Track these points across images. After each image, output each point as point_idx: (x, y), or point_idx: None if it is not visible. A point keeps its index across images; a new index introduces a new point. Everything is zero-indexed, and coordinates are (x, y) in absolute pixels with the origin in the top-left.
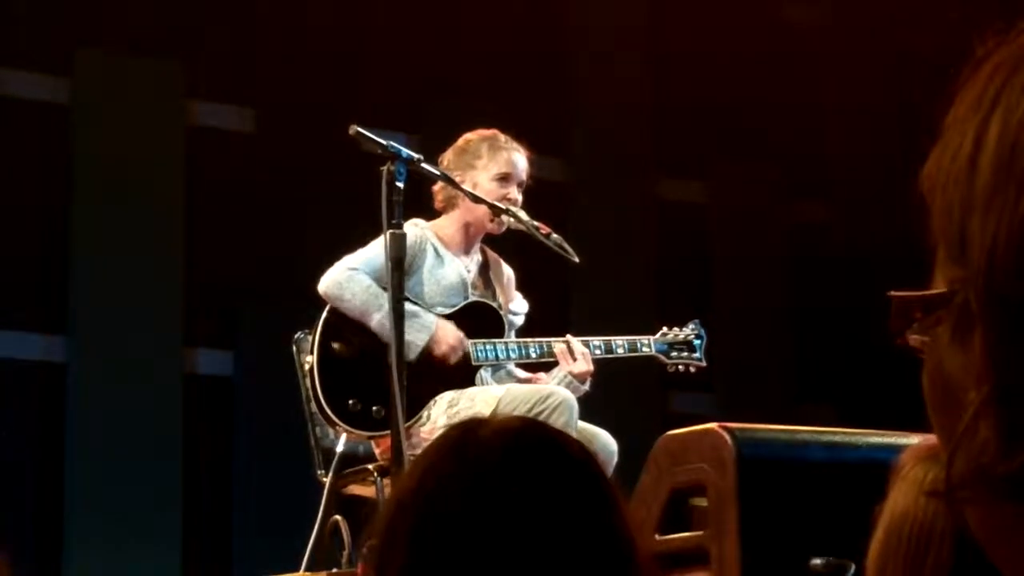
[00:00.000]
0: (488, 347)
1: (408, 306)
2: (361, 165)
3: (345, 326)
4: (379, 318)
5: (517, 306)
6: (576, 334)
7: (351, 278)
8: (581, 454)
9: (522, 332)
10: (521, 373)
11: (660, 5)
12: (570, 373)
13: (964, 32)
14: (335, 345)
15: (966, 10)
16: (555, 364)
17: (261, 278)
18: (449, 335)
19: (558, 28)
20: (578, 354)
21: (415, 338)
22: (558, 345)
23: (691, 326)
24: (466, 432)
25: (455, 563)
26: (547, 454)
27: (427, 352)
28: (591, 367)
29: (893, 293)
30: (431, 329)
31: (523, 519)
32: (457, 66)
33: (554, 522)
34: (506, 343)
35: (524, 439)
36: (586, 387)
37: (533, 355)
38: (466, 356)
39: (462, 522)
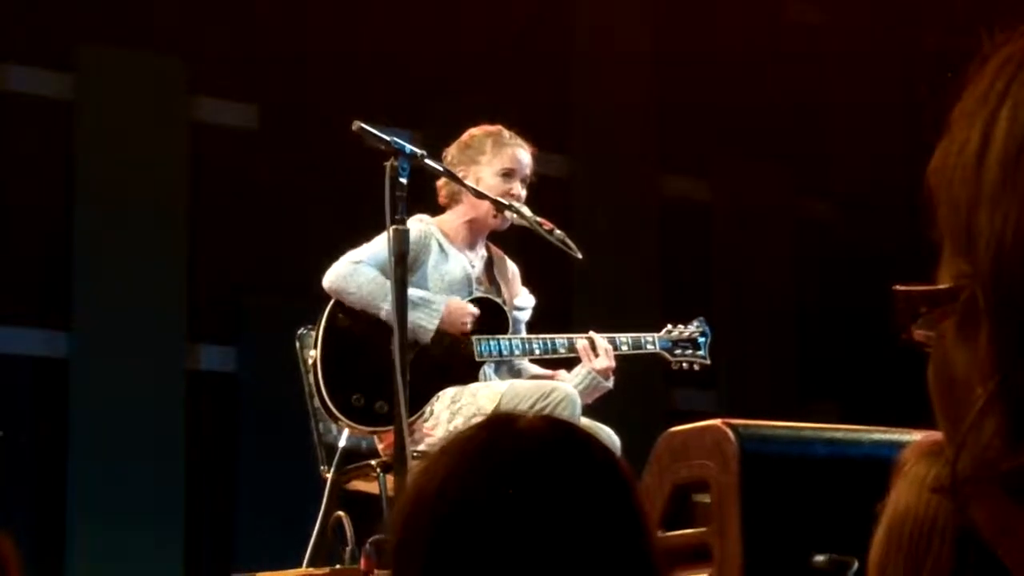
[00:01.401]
0: (492, 343)
1: (417, 292)
2: (364, 161)
3: (348, 321)
4: (388, 308)
5: (523, 301)
6: (579, 331)
7: (356, 270)
8: (606, 456)
9: (528, 327)
10: (538, 370)
11: (663, 2)
12: (593, 369)
13: (969, 30)
14: (338, 340)
15: (969, 8)
16: (567, 360)
17: (264, 274)
18: (458, 313)
19: (561, 24)
20: (600, 350)
21: (427, 323)
22: (580, 341)
23: (695, 323)
24: (492, 433)
25: (477, 562)
26: (573, 456)
27: (434, 342)
28: (613, 363)
29: (898, 287)
30: (441, 312)
31: (547, 520)
32: (460, 62)
33: (578, 523)
34: (510, 339)
35: (551, 442)
36: (609, 384)
37: (537, 351)
38: (470, 353)
39: (485, 522)
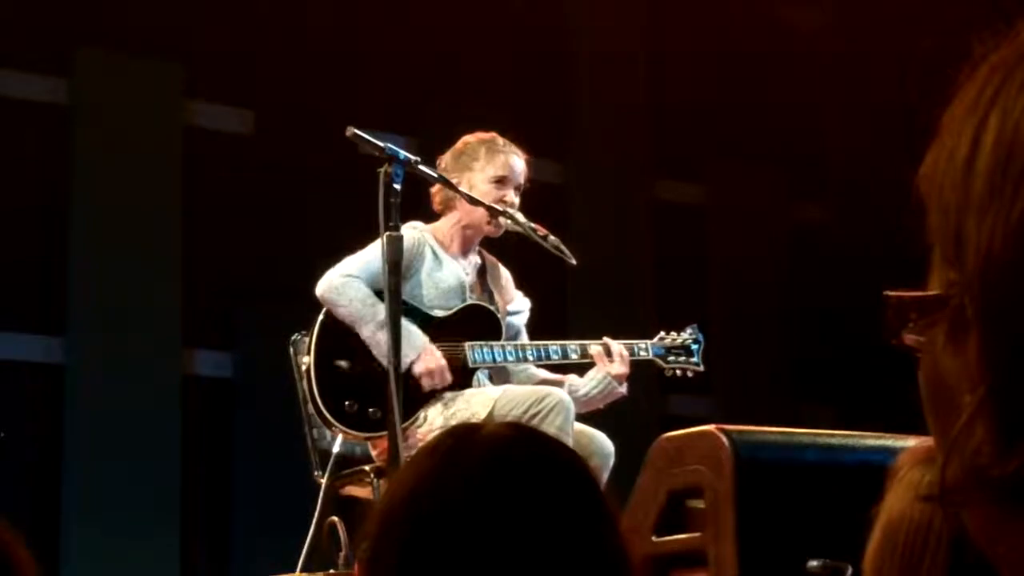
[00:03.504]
0: (485, 350)
1: (405, 322)
2: (359, 167)
3: (342, 328)
4: (371, 328)
5: (517, 305)
6: (574, 337)
7: (348, 284)
8: (572, 461)
9: (528, 330)
10: (546, 374)
11: (659, 6)
12: (609, 374)
13: (963, 33)
14: (332, 346)
15: (965, 11)
16: (566, 368)
17: (259, 279)
18: (432, 361)
19: (556, 30)
20: (616, 355)
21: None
22: (594, 347)
23: (689, 330)
24: (457, 440)
25: (447, 568)
26: (538, 461)
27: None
28: (628, 369)
29: (889, 293)
30: (418, 350)
31: (514, 527)
32: (456, 68)
33: (545, 530)
34: (503, 346)
35: (515, 447)
36: (623, 389)
37: (530, 357)
38: (463, 360)
39: (452, 530)
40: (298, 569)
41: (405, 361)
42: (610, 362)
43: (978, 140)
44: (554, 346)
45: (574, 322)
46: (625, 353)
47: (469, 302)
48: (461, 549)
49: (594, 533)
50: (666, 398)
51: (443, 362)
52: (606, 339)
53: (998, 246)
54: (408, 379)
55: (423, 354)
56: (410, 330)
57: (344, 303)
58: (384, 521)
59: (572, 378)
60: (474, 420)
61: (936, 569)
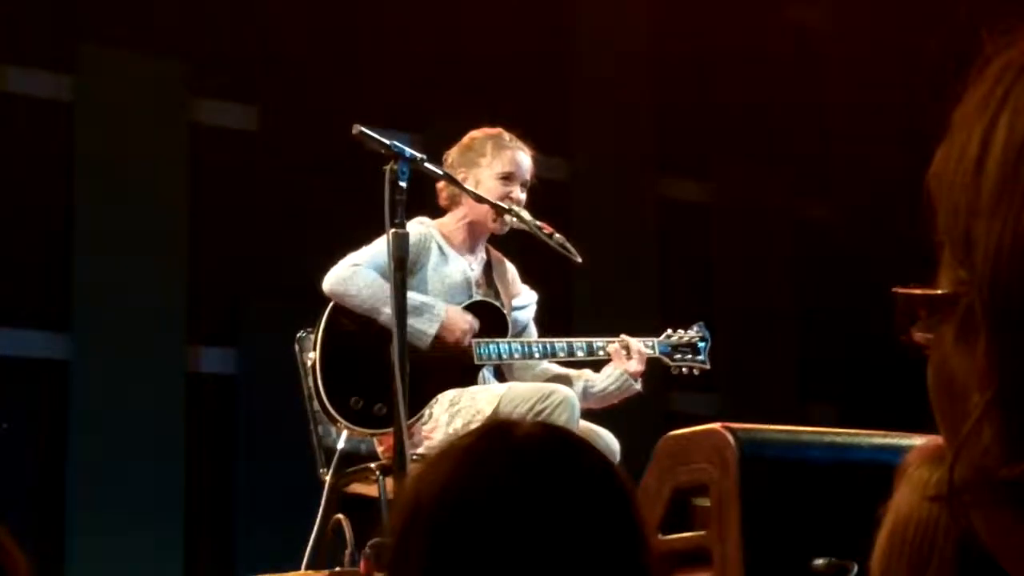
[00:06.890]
0: (491, 346)
1: (418, 297)
2: (364, 164)
3: (348, 324)
4: (388, 312)
5: (523, 299)
6: (579, 334)
7: (356, 273)
8: (603, 463)
9: (537, 325)
10: (560, 370)
11: (663, 4)
12: (627, 371)
13: (970, 32)
14: (337, 343)
15: (973, 10)
16: (578, 365)
17: (264, 276)
18: (458, 321)
19: (562, 27)
20: (635, 353)
21: (427, 327)
22: (612, 345)
23: (695, 328)
24: (489, 439)
25: (474, 570)
26: (570, 463)
27: (434, 344)
28: (643, 367)
29: (898, 289)
30: (441, 317)
31: (544, 528)
32: (461, 65)
33: (575, 531)
34: (509, 342)
35: (547, 448)
36: (638, 386)
37: (536, 354)
38: (469, 356)
39: (483, 529)
40: (303, 567)
41: (430, 334)
42: (628, 359)
43: (988, 140)
44: (560, 342)
45: (579, 320)
46: (645, 351)
47: (475, 298)
48: (490, 552)
49: (625, 538)
50: (671, 396)
51: (467, 316)
52: (624, 336)
53: (1007, 249)
54: (414, 375)
55: (446, 324)
56: (426, 303)
57: (355, 292)
58: (411, 518)
59: (588, 373)
60: (479, 417)
61: (943, 568)
